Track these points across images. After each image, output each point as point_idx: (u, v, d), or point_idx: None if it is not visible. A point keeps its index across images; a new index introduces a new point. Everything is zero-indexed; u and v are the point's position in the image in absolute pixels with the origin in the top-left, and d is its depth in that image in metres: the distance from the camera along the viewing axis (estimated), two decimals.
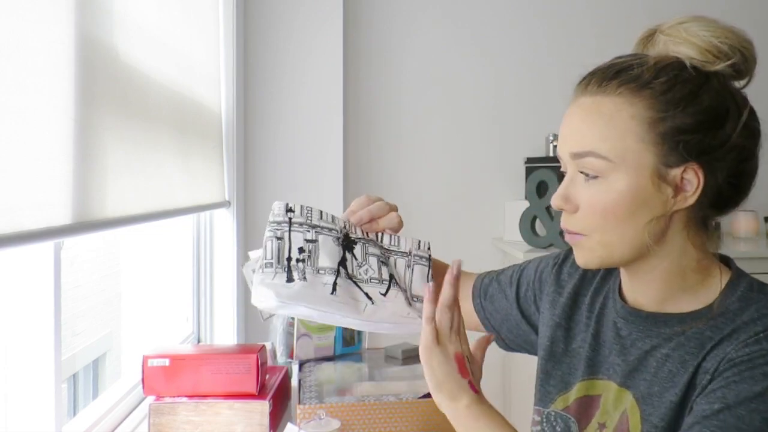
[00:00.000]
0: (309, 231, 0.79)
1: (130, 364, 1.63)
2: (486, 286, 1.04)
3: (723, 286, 0.78)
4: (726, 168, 0.75)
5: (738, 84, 0.80)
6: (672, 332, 0.78)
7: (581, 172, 0.77)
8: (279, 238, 0.78)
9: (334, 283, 0.78)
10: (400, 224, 0.88)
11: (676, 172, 0.74)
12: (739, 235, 2.30)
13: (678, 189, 0.75)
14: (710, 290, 0.79)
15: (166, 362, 1.19)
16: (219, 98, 1.89)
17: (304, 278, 0.77)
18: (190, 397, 1.18)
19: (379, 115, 2.39)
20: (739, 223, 2.30)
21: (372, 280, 0.81)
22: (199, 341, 1.88)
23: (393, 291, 0.81)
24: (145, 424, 1.21)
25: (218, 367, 1.19)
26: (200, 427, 1.17)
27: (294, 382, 1.42)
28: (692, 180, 0.74)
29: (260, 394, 1.20)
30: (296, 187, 2.15)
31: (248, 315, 2.07)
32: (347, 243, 0.81)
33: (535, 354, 0.98)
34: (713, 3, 2.46)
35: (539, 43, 2.38)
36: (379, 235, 0.85)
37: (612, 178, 0.74)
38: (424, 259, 0.86)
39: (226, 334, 1.91)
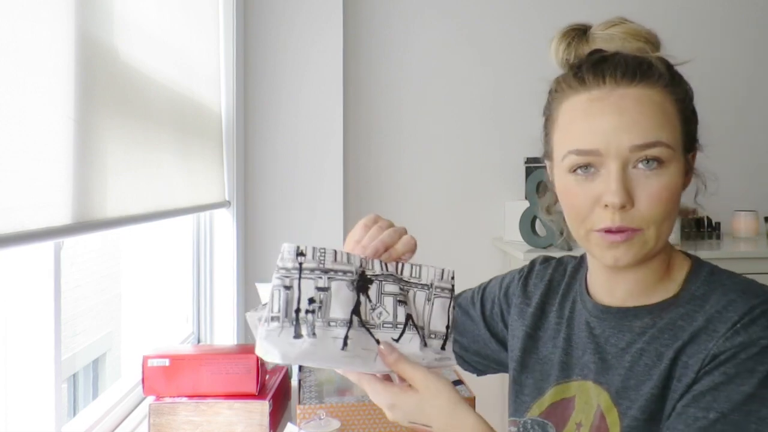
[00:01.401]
0: (321, 277, 0.72)
1: (130, 364, 1.62)
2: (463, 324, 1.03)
3: (686, 273, 0.80)
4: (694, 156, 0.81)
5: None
6: (643, 325, 0.79)
7: (640, 166, 0.73)
8: (287, 288, 0.71)
9: (346, 337, 0.72)
10: (416, 245, 0.81)
11: (689, 158, 0.79)
12: (739, 235, 2.30)
13: (687, 174, 0.79)
14: (675, 279, 0.81)
15: (166, 362, 1.19)
16: (219, 98, 1.89)
17: (313, 334, 0.70)
18: (190, 397, 1.18)
19: (379, 115, 2.38)
20: (739, 223, 2.31)
21: (385, 325, 0.75)
22: (199, 341, 1.88)
23: (407, 335, 0.76)
24: (145, 424, 1.21)
25: (218, 367, 1.19)
26: (200, 427, 1.17)
27: (294, 382, 1.42)
28: (692, 164, 0.80)
29: (260, 394, 1.20)
30: (296, 187, 2.16)
31: None
32: (362, 284, 0.74)
33: (506, 371, 0.98)
34: (714, 3, 2.46)
35: (540, 42, 2.37)
36: (399, 266, 0.78)
37: (671, 166, 0.74)
38: (446, 291, 0.79)
39: (226, 334, 1.91)
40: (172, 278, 1.78)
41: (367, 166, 2.38)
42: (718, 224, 2.28)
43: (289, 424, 1.09)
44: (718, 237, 2.29)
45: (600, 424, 0.79)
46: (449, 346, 0.79)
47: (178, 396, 1.19)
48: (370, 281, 0.75)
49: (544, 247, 1.99)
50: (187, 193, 1.48)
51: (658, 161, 0.73)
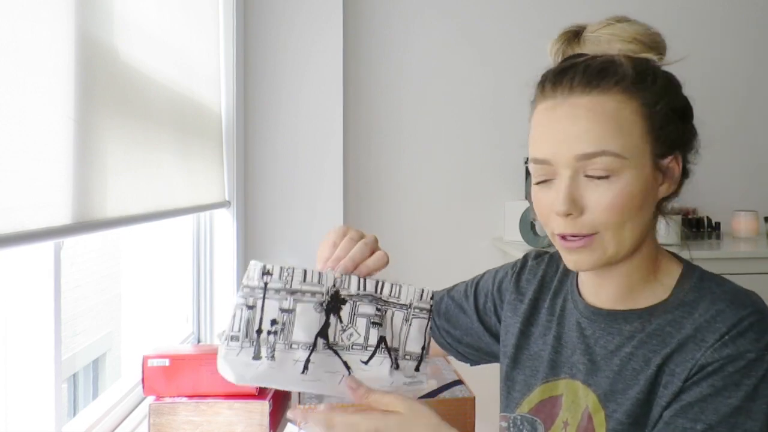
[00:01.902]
0: (286, 299, 0.70)
1: (130, 364, 1.62)
2: (437, 304, 1.04)
3: (676, 279, 0.80)
4: (691, 155, 0.80)
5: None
6: (633, 329, 0.79)
7: (587, 175, 0.74)
8: (250, 307, 0.69)
9: (307, 360, 0.70)
10: (388, 260, 0.79)
11: (664, 162, 0.77)
12: (739, 235, 2.30)
13: (665, 179, 0.78)
14: (664, 283, 0.80)
15: (166, 362, 1.19)
16: (219, 98, 1.88)
17: (273, 357, 0.69)
18: (190, 397, 1.18)
19: (379, 115, 2.38)
20: (739, 223, 2.30)
21: (354, 347, 0.73)
22: (199, 341, 1.88)
23: (377, 358, 0.73)
24: (145, 424, 1.21)
25: None
26: (200, 427, 1.17)
27: None
28: (674, 169, 0.78)
29: (260, 394, 1.20)
30: (296, 187, 2.15)
31: None
32: (334, 304, 0.72)
33: (498, 362, 0.99)
34: (714, 3, 2.46)
35: (540, 42, 2.37)
36: (380, 284, 0.75)
37: (624, 174, 0.74)
38: (424, 312, 0.77)
39: None
40: (172, 278, 1.78)
41: (367, 166, 2.38)
42: (718, 224, 2.28)
43: (289, 424, 1.09)
44: (718, 237, 2.28)
45: (587, 426, 0.79)
46: (424, 367, 0.77)
47: (178, 396, 1.19)
48: (344, 301, 0.72)
49: (544, 247, 1.99)
50: (187, 193, 1.48)
51: (606, 170, 0.73)
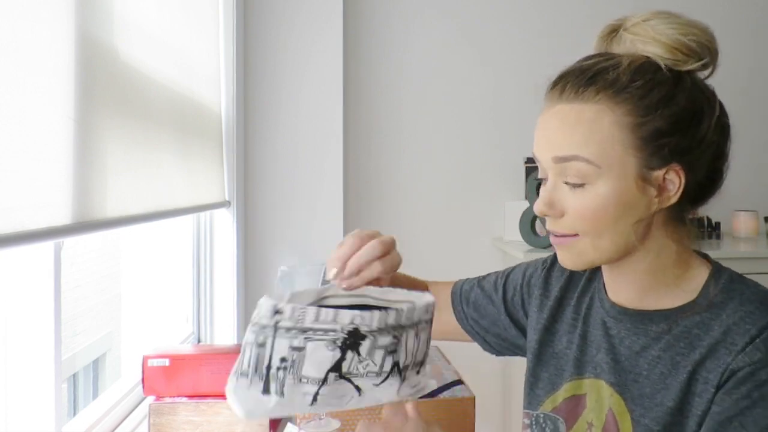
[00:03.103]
0: (297, 337, 0.69)
1: (130, 364, 1.62)
2: (467, 292, 1.05)
3: (705, 280, 0.79)
4: (704, 165, 0.76)
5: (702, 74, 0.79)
6: (659, 330, 0.78)
7: (566, 182, 0.76)
8: (261, 345, 0.68)
9: (316, 393, 0.70)
10: (399, 265, 0.81)
11: (658, 174, 0.75)
12: (739, 235, 2.30)
13: (661, 189, 0.76)
14: (692, 284, 0.79)
15: (166, 362, 1.19)
16: (219, 98, 1.89)
17: (282, 393, 0.68)
18: (190, 397, 1.18)
19: (379, 115, 2.38)
20: (739, 223, 2.30)
21: (369, 374, 0.72)
22: (199, 341, 1.88)
23: (389, 381, 0.73)
24: (145, 424, 1.21)
25: (218, 367, 1.19)
26: (200, 427, 1.17)
27: None
28: (674, 180, 0.75)
29: None
30: (296, 187, 2.15)
31: (248, 315, 2.06)
32: (353, 341, 0.71)
33: (524, 356, 0.98)
34: (714, 3, 2.46)
35: (540, 42, 2.38)
36: (403, 314, 0.73)
37: (598, 183, 0.74)
38: (428, 323, 0.78)
39: (226, 334, 1.91)
40: (172, 278, 1.78)
41: (367, 166, 2.38)
42: (718, 224, 2.28)
43: (289, 424, 1.09)
44: (718, 237, 2.28)
45: (612, 428, 0.79)
46: (425, 369, 0.78)
47: (178, 396, 1.19)
48: (364, 337, 0.71)
49: (544, 247, 1.99)
50: (187, 193, 1.48)
51: (581, 178, 0.75)
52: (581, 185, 0.75)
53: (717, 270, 0.80)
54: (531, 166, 2.24)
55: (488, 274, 1.07)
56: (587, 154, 0.74)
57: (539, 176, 0.81)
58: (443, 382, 1.27)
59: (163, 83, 1.34)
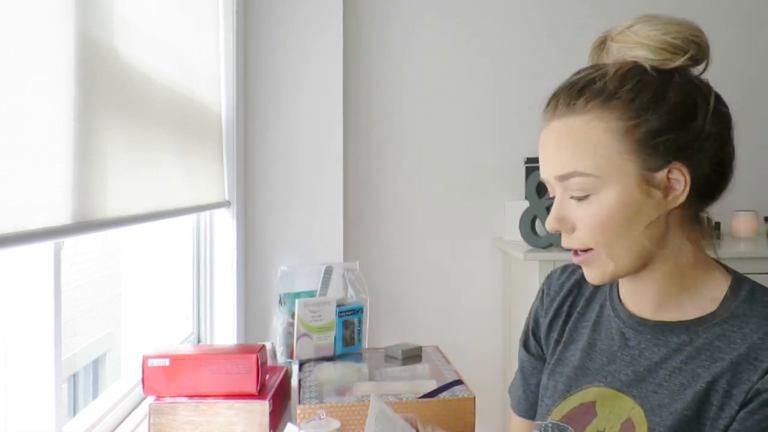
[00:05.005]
0: None
1: (130, 364, 1.63)
2: (532, 396, 1.00)
3: (725, 290, 0.78)
4: (708, 158, 0.76)
5: (697, 70, 0.80)
6: (680, 342, 0.78)
7: (571, 197, 0.78)
8: None
9: None
10: None
11: (661, 175, 0.75)
12: (739, 235, 2.30)
13: (667, 190, 0.76)
14: (711, 294, 0.79)
15: (166, 362, 1.19)
16: (219, 98, 1.89)
17: None
18: (190, 397, 1.18)
19: (379, 115, 2.38)
20: (739, 223, 2.30)
21: None
22: (199, 341, 1.88)
23: None
24: (145, 424, 1.21)
25: (218, 367, 1.19)
26: (200, 427, 1.17)
27: (294, 382, 1.42)
28: (679, 178, 0.75)
29: (260, 394, 1.20)
30: (296, 187, 2.15)
31: (248, 315, 2.07)
32: None
33: None
34: (714, 3, 2.46)
35: (540, 42, 2.38)
36: None
37: (601, 193, 0.75)
38: None
39: (226, 334, 1.91)
40: (172, 278, 1.78)
41: (367, 166, 2.38)
42: (718, 224, 2.28)
43: (289, 424, 1.09)
44: (718, 237, 2.28)
45: None
46: None
47: (178, 396, 1.19)
48: None
49: (544, 247, 1.99)
50: (187, 193, 1.48)
51: (583, 190, 0.76)
52: (586, 197, 0.76)
53: (737, 279, 0.80)
54: (531, 166, 2.24)
55: (519, 363, 1.04)
56: (584, 168, 0.75)
57: (549, 194, 0.83)
58: (443, 382, 1.27)
59: (163, 83, 1.34)
